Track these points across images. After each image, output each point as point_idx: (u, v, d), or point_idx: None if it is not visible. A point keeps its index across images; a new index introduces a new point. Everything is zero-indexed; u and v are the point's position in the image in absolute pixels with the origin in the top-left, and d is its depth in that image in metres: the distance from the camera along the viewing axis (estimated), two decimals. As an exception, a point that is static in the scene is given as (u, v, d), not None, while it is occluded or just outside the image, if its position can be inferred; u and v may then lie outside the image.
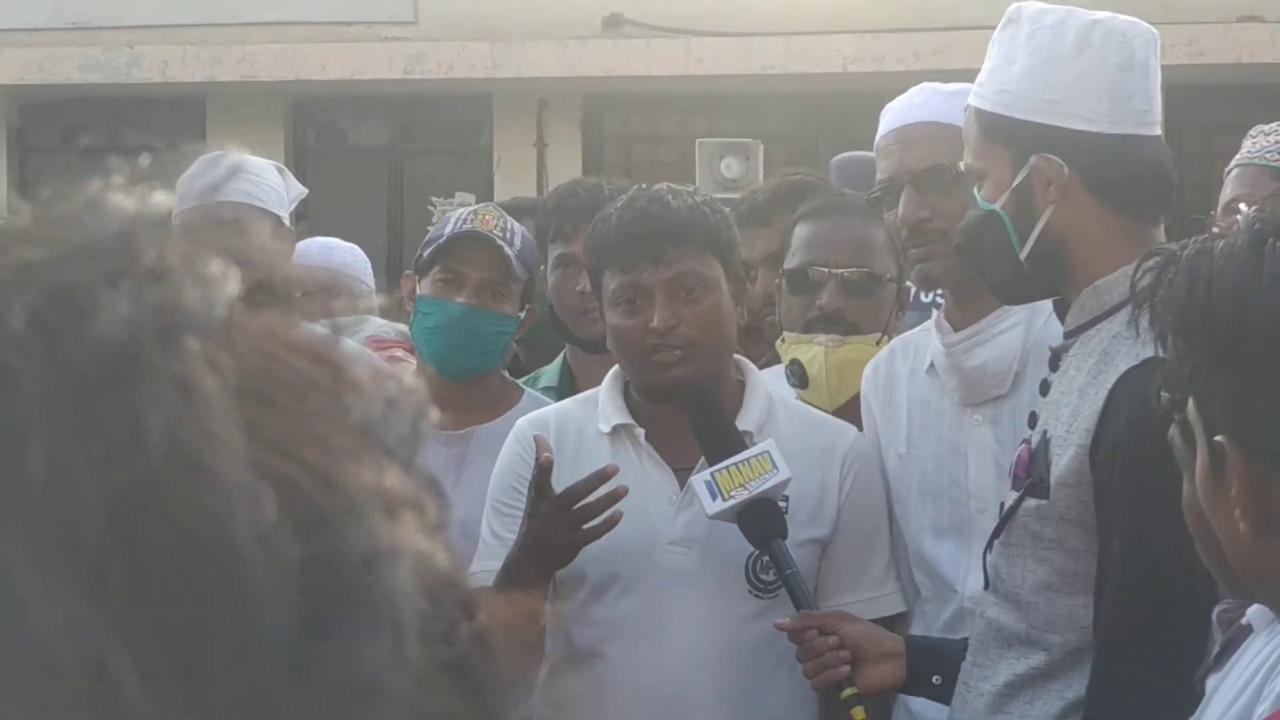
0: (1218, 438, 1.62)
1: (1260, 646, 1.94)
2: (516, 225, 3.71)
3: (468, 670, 0.60)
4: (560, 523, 2.87)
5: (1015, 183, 2.74)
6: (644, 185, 3.20)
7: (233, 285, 0.58)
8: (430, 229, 3.87)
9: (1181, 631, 2.28)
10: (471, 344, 3.58)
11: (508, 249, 3.59)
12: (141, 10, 15.74)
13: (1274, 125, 3.94)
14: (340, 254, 5.19)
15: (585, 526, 2.87)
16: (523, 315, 3.70)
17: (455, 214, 3.71)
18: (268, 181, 4.26)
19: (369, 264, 5.34)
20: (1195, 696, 2.04)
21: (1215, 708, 1.95)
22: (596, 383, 3.40)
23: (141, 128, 16.69)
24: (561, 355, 4.01)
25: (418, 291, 3.65)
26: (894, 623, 3.18)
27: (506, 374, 3.82)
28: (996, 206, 2.76)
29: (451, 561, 0.60)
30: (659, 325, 2.99)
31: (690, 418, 3.00)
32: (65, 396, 0.53)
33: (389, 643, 0.55)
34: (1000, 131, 2.76)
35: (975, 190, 2.80)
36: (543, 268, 3.95)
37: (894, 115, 3.26)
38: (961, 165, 2.88)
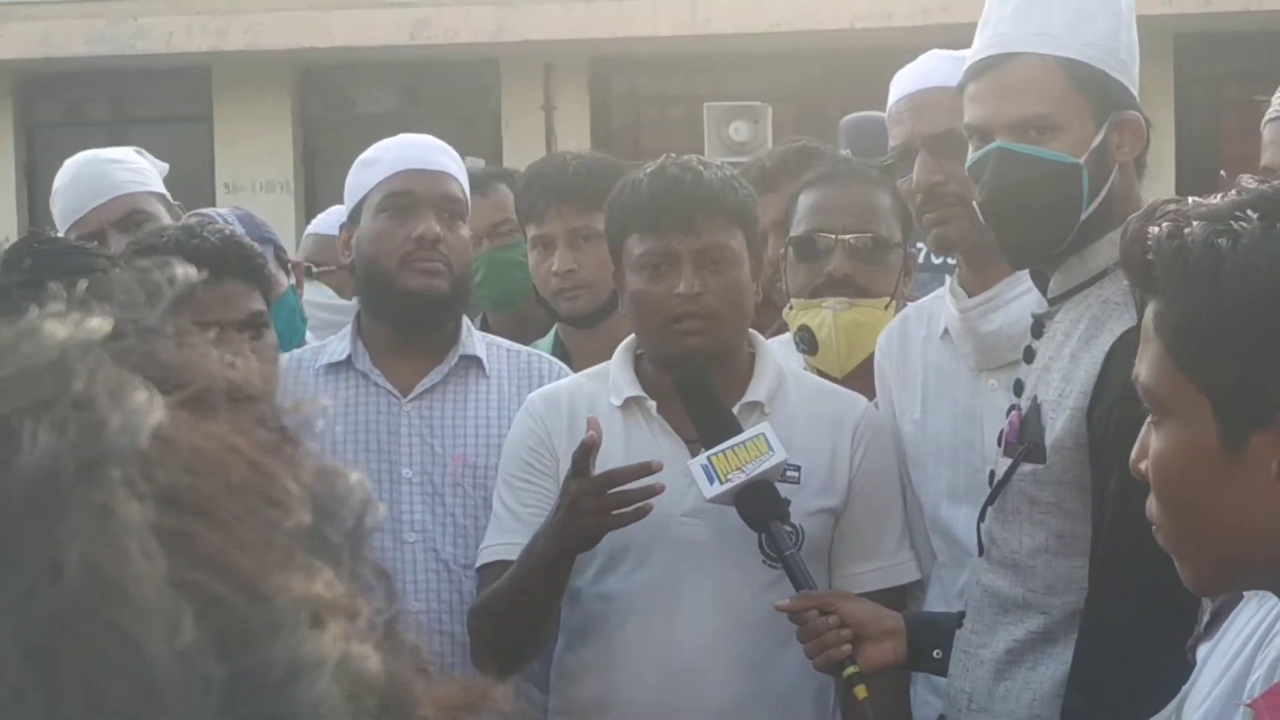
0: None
1: (1252, 613, 1.94)
2: (222, 213, 3.94)
3: None
4: (591, 504, 2.86)
5: (1098, 139, 2.74)
6: (673, 155, 3.20)
7: (158, 413, 0.59)
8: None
9: (1174, 591, 2.29)
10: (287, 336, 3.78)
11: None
12: (145, -19, 15.71)
13: None
14: None
15: (615, 513, 2.87)
16: (291, 278, 3.95)
17: None
18: (141, 166, 4.29)
19: None
20: (1186, 666, 2.05)
21: (1208, 676, 1.95)
22: (589, 355, 3.44)
23: (148, 100, 16.70)
24: (554, 329, 4.02)
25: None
26: (909, 590, 3.18)
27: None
28: (1081, 160, 2.75)
29: (387, 663, 0.60)
30: (685, 291, 3.00)
31: (685, 401, 3.00)
32: None
33: None
34: (1090, 84, 2.76)
35: (1033, 144, 2.75)
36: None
37: (906, 81, 3.27)
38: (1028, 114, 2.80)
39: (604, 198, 3.82)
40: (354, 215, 3.52)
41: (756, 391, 3.10)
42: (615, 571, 3.07)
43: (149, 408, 0.59)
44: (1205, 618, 2.07)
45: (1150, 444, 1.75)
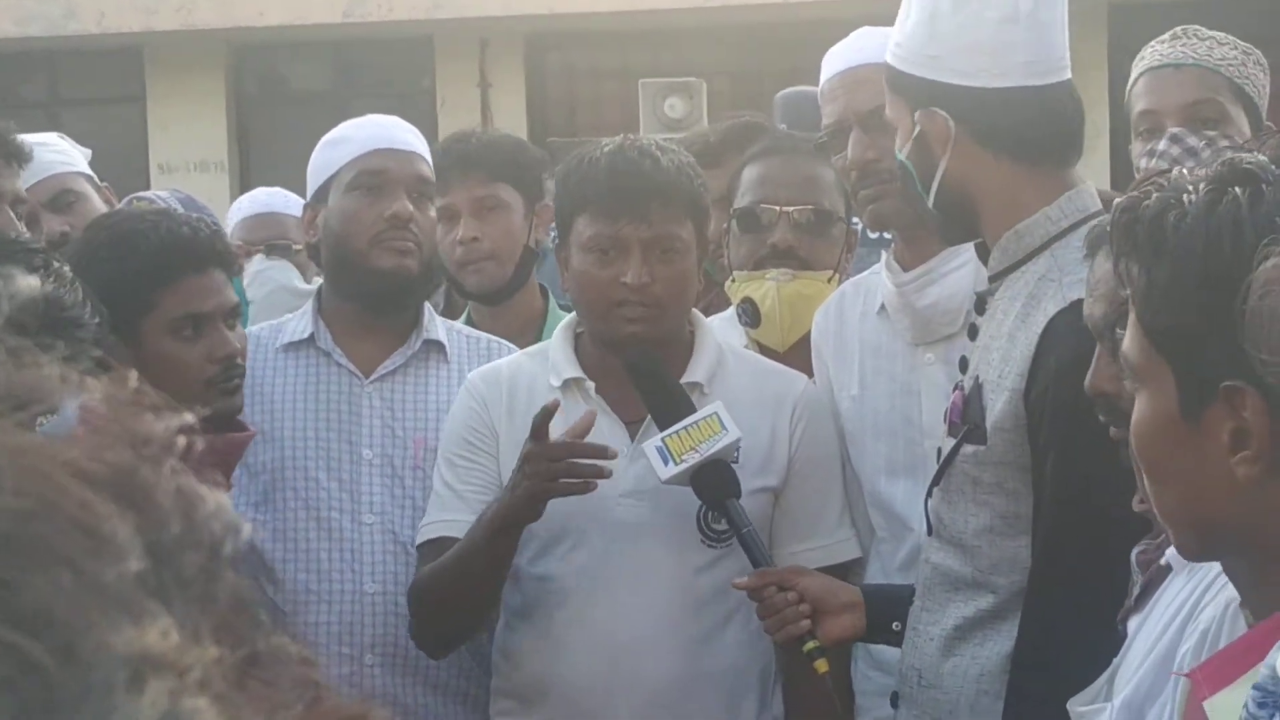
0: (1229, 382, 1.60)
1: (1180, 586, 1.97)
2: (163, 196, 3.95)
3: None
4: (541, 467, 2.87)
5: (914, 134, 2.78)
6: (630, 136, 3.21)
7: None
8: None
9: (1113, 569, 2.31)
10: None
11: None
12: (75, -40, 15.56)
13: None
14: (291, 205, 5.04)
15: (561, 481, 2.87)
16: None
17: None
18: (65, 148, 4.27)
19: None
20: (1118, 638, 2.07)
21: (1138, 648, 1.98)
22: (500, 334, 3.53)
23: (80, 81, 16.55)
24: (466, 312, 4.01)
25: None
26: (850, 568, 3.19)
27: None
28: (903, 156, 2.81)
29: (229, 711, 0.57)
30: (632, 281, 3.00)
31: (636, 383, 3.01)
32: None
33: None
34: (898, 84, 2.81)
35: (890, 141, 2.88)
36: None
37: (838, 59, 3.28)
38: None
39: (508, 170, 3.86)
40: (320, 194, 3.50)
41: (696, 371, 3.11)
42: (553, 552, 3.08)
43: None
44: (1135, 590, 2.09)
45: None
